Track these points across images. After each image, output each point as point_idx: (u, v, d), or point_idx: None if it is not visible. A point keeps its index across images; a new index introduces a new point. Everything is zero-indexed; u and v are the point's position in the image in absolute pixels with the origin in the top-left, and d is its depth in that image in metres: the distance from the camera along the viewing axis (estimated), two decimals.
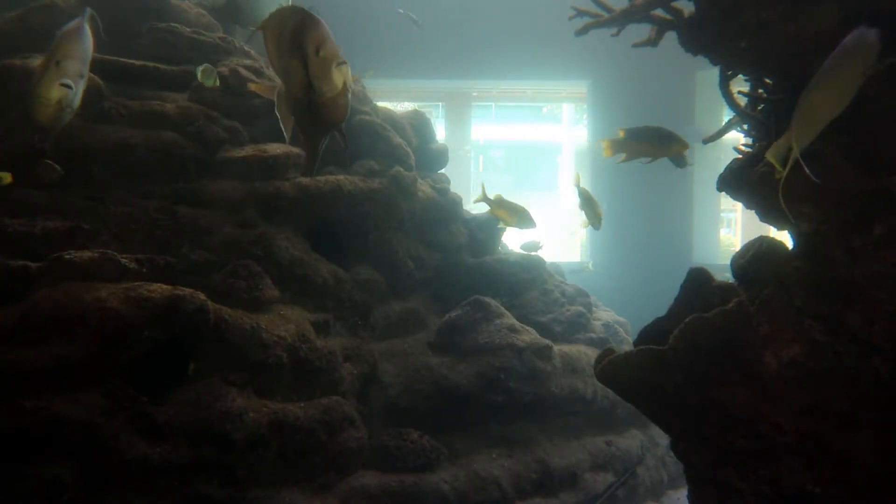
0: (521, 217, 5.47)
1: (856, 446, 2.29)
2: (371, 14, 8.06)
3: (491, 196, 5.51)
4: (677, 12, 3.24)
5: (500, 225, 5.79)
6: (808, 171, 2.21)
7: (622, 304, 6.59)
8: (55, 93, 2.71)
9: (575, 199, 5.18)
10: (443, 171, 6.29)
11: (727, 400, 2.57)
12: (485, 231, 5.89)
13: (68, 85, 2.74)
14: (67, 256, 3.53)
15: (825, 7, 2.57)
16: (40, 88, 2.72)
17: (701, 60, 3.24)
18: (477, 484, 4.29)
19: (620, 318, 6.27)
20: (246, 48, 5.64)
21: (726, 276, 2.99)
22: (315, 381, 4.11)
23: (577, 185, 5.14)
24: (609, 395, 5.02)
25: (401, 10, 7.47)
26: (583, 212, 5.17)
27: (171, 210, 4.24)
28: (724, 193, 2.96)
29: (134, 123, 4.46)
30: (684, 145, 4.21)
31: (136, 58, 4.90)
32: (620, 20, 3.44)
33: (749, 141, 3.46)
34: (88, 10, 3.11)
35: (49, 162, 3.79)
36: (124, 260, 3.70)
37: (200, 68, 4.68)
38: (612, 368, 2.86)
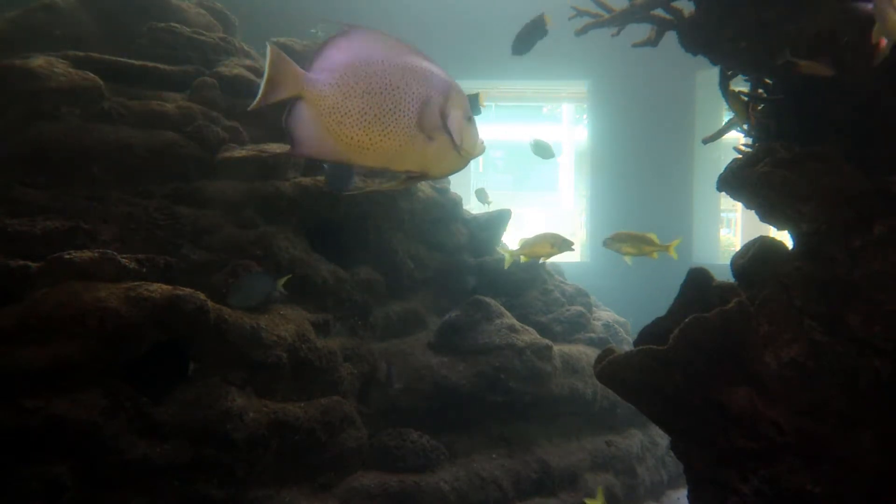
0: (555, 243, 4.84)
1: (856, 446, 2.29)
2: (371, 14, 8.06)
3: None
4: (677, 12, 3.24)
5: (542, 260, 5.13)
6: None
7: (622, 304, 6.58)
8: (479, 150, 2.43)
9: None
10: None
11: (727, 400, 2.57)
12: (485, 231, 5.89)
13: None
14: (67, 256, 3.53)
15: (825, 6, 2.57)
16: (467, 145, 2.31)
17: (701, 60, 3.24)
18: (477, 484, 4.29)
19: (620, 318, 6.26)
20: (246, 48, 5.64)
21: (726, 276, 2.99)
22: (315, 381, 4.12)
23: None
24: (609, 395, 5.02)
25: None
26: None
27: (171, 210, 4.24)
28: (724, 193, 2.95)
29: (134, 123, 4.46)
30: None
31: (136, 58, 4.91)
32: (620, 20, 3.44)
33: (749, 141, 3.46)
34: None
35: None
36: (124, 260, 3.70)
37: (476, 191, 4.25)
38: (611, 368, 2.86)
